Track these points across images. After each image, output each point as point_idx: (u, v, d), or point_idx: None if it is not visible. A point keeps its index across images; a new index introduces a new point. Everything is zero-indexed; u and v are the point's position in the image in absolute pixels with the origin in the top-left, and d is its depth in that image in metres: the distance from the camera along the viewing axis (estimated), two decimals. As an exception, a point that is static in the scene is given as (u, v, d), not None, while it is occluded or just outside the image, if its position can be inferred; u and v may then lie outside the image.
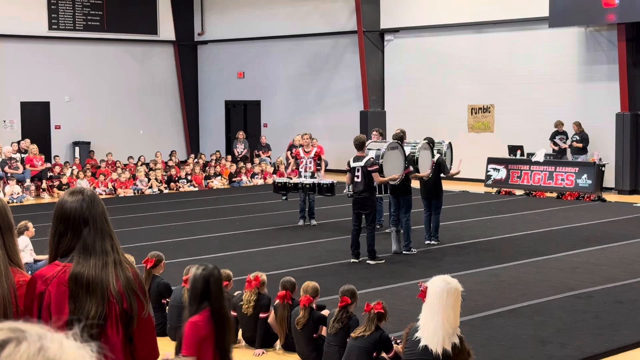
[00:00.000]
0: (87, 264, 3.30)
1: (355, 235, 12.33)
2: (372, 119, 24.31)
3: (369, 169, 12.21)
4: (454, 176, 14.43)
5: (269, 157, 25.90)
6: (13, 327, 1.36)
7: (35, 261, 11.32)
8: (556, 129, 21.22)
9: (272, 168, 24.90)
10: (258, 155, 25.88)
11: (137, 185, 22.44)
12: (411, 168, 12.95)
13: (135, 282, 3.38)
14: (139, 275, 3.49)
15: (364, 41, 24.56)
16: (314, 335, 7.88)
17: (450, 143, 14.74)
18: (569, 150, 21.16)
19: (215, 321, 4.95)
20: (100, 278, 3.28)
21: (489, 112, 23.17)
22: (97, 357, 1.40)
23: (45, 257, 12.41)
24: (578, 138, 20.78)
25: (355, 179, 12.37)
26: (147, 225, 16.38)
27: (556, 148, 21.24)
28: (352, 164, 12.47)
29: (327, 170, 19.34)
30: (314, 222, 16.03)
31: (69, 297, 3.26)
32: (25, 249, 11.25)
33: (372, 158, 12.45)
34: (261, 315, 8.31)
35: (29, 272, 10.65)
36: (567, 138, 21.17)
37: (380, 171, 12.53)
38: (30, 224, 11.54)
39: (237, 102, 29.26)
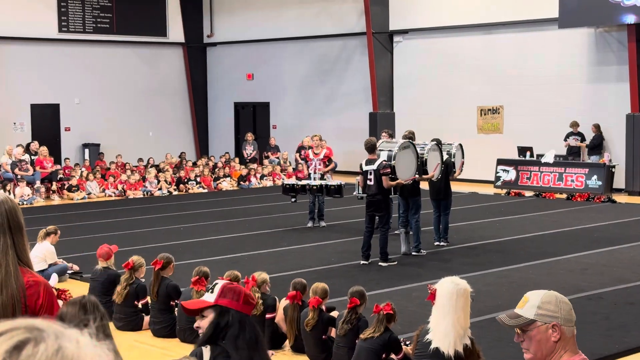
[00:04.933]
0: None
1: (368, 237, 12.30)
2: (381, 120, 24.30)
3: (381, 172, 12.18)
4: (456, 178, 14.39)
5: (277, 158, 25.92)
6: (30, 326, 1.36)
7: (50, 265, 11.28)
8: (571, 130, 21.15)
9: (279, 167, 24.92)
10: (267, 157, 25.90)
11: (146, 187, 22.48)
12: (417, 175, 12.93)
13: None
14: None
15: (373, 42, 24.54)
16: (323, 336, 7.88)
17: (460, 144, 14.69)
18: (584, 151, 21.07)
19: None
20: None
21: (498, 113, 23.12)
22: (113, 356, 1.40)
23: (60, 261, 12.29)
24: (595, 141, 20.73)
25: (368, 182, 12.35)
26: (156, 226, 16.40)
27: (570, 145, 21.04)
28: (365, 167, 12.43)
29: (336, 172, 19.34)
30: (323, 223, 16.02)
31: None
32: (45, 254, 11.15)
33: (385, 160, 12.42)
34: (268, 315, 8.31)
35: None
36: (581, 139, 21.10)
37: (393, 172, 12.50)
38: (59, 231, 11.48)
39: (246, 103, 29.29)
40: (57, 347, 1.32)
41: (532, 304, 3.07)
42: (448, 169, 13.73)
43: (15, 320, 1.37)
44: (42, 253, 11.11)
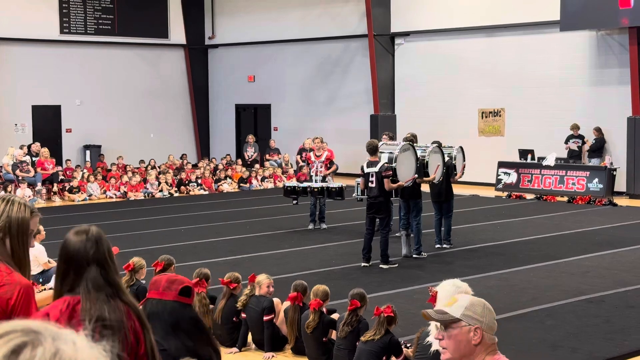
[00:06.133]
0: (91, 300, 3.18)
1: (368, 239, 12.28)
2: (382, 122, 24.30)
3: (383, 174, 12.17)
4: (457, 180, 14.37)
5: (280, 159, 25.91)
6: (27, 329, 1.35)
7: (44, 271, 11.22)
8: (571, 132, 21.15)
9: (280, 169, 24.92)
10: (268, 160, 25.90)
11: (147, 189, 22.49)
12: (416, 175, 12.91)
13: (127, 320, 3.21)
14: (135, 312, 3.29)
15: (375, 45, 24.55)
16: (324, 338, 7.87)
17: (461, 147, 14.68)
18: (585, 154, 21.06)
19: None
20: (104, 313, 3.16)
21: (500, 115, 23.12)
22: (110, 357, 1.40)
23: (54, 264, 12.25)
24: (597, 144, 20.73)
25: (370, 184, 12.33)
26: (158, 228, 16.40)
27: (571, 147, 21.08)
28: (366, 170, 12.42)
29: (337, 174, 19.34)
30: (324, 225, 16.01)
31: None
32: (35, 258, 11.11)
33: (386, 163, 12.41)
34: (266, 317, 8.29)
35: (40, 283, 10.63)
36: (582, 142, 21.10)
37: (395, 175, 12.49)
38: (41, 227, 11.46)
39: (248, 105, 29.30)
40: (55, 350, 1.31)
41: (460, 304, 3.12)
42: (449, 171, 13.73)
43: (12, 323, 1.36)
44: (33, 255, 11.06)
